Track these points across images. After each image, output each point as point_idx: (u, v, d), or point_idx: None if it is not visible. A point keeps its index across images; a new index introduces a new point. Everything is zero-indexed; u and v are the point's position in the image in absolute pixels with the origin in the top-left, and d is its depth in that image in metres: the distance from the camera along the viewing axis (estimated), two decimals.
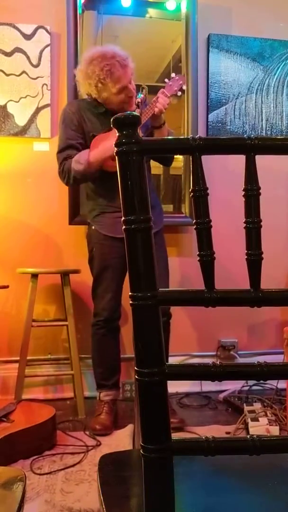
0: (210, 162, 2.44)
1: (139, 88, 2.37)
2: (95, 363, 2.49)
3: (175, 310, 2.49)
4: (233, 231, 2.46)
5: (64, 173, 2.33)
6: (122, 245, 2.31)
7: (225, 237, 2.45)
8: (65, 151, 2.34)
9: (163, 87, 2.32)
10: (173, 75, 2.34)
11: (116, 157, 0.64)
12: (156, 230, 2.31)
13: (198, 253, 0.66)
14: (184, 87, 2.37)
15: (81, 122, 2.37)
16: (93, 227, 2.45)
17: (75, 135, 2.35)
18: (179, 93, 2.34)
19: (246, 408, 2.34)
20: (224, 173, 2.89)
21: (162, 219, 2.54)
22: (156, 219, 2.33)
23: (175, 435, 0.65)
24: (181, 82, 2.30)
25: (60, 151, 2.36)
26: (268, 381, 2.76)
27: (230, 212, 2.53)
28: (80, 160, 2.28)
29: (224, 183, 2.79)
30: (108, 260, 2.40)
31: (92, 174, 2.32)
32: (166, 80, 2.34)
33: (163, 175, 2.99)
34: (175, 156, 2.70)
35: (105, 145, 2.27)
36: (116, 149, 0.64)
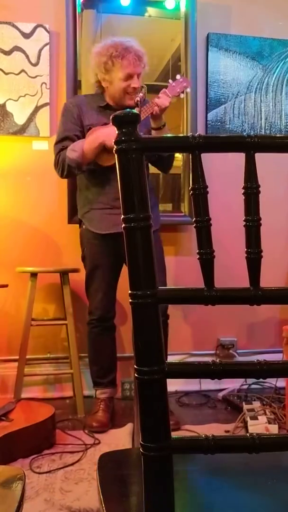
0: (209, 160, 2.44)
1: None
2: (91, 361, 2.52)
3: (174, 309, 2.49)
4: (233, 229, 2.46)
5: (59, 164, 2.35)
6: (112, 242, 2.35)
7: (225, 235, 2.45)
8: (62, 142, 2.37)
9: (166, 87, 2.30)
10: (178, 76, 2.30)
11: (116, 155, 0.64)
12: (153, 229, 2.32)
13: (197, 251, 0.66)
14: (188, 90, 2.32)
15: (80, 115, 2.40)
16: (83, 226, 2.48)
17: (73, 127, 2.38)
18: (182, 95, 2.30)
19: (245, 406, 2.34)
20: (223, 171, 2.89)
21: (159, 219, 2.56)
22: (154, 219, 2.35)
23: (175, 434, 0.65)
24: (184, 84, 2.26)
25: (57, 143, 2.40)
26: (267, 380, 2.77)
27: (229, 210, 2.52)
28: (75, 148, 2.30)
29: (223, 181, 2.78)
30: (98, 260, 2.42)
31: (86, 164, 2.32)
32: (170, 81, 2.30)
33: (162, 174, 2.99)
34: (176, 155, 2.69)
35: (97, 132, 2.29)
36: (115, 146, 0.64)
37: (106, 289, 2.43)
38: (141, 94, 2.25)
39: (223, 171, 2.86)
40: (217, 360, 0.66)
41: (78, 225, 2.84)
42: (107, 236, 2.35)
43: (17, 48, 2.79)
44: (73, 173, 2.39)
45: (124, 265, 2.37)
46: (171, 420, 2.31)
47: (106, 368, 2.49)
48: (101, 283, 2.43)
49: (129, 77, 2.30)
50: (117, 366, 2.54)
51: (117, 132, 0.64)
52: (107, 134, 2.24)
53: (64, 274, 2.61)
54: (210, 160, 2.48)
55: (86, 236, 2.45)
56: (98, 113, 2.39)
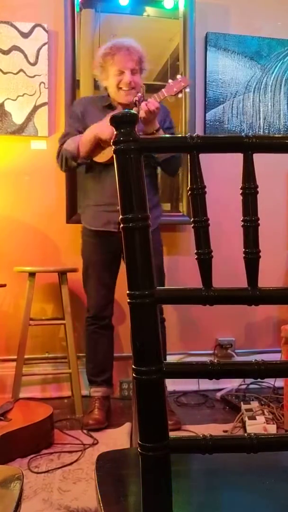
0: (208, 160, 2.44)
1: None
2: (87, 359, 2.54)
3: (172, 309, 2.49)
4: (231, 230, 2.46)
5: (59, 156, 2.45)
6: (105, 240, 2.36)
7: (223, 235, 2.45)
8: (64, 138, 2.46)
9: (164, 87, 2.30)
10: (178, 76, 2.30)
11: (114, 155, 0.64)
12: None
13: (196, 251, 0.66)
14: (187, 90, 2.33)
15: (84, 114, 2.47)
16: (82, 223, 2.53)
17: (76, 124, 2.46)
18: (180, 95, 2.30)
19: (244, 406, 2.34)
20: (221, 171, 2.89)
21: (158, 220, 2.53)
22: (152, 219, 2.35)
23: (173, 434, 0.65)
24: (182, 83, 2.26)
25: (60, 138, 2.50)
26: (266, 380, 2.77)
27: (228, 210, 2.52)
28: (73, 141, 2.39)
29: (221, 181, 2.78)
30: (91, 257, 2.47)
31: (82, 157, 2.38)
32: (170, 80, 2.31)
33: (161, 173, 2.98)
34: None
35: (92, 126, 2.34)
36: (114, 147, 0.64)
37: (100, 287, 2.45)
38: (139, 94, 2.25)
39: (222, 171, 2.86)
40: (215, 360, 0.66)
41: (76, 225, 2.86)
42: (100, 233, 2.40)
43: (15, 48, 2.79)
44: (70, 166, 2.45)
45: (122, 264, 2.38)
46: (171, 420, 2.31)
47: (101, 367, 2.50)
48: (95, 281, 2.46)
49: (120, 72, 2.34)
50: (113, 366, 2.54)
51: (115, 132, 0.64)
52: (100, 126, 2.29)
53: (62, 273, 2.61)
54: (209, 160, 2.47)
55: (83, 233, 2.52)
56: (101, 113, 2.41)
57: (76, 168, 2.51)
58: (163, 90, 2.27)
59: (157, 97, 2.25)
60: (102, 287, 2.45)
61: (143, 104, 2.21)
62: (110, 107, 2.43)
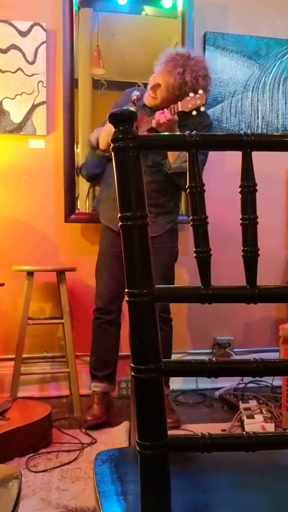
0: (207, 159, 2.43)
1: (135, 86, 2.37)
2: (91, 352, 2.53)
3: (171, 307, 2.49)
4: (230, 228, 2.46)
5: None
6: (115, 234, 2.35)
7: (222, 234, 2.45)
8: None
9: (180, 101, 2.16)
10: (200, 92, 2.14)
11: (112, 153, 0.64)
12: (154, 235, 2.31)
13: (194, 249, 0.66)
14: (202, 109, 2.20)
15: (123, 105, 2.43)
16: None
17: None
18: (194, 113, 2.18)
19: (242, 405, 2.35)
20: (220, 170, 2.89)
21: (165, 226, 2.45)
22: (159, 225, 2.35)
23: (171, 432, 0.65)
24: (198, 102, 2.13)
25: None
26: (264, 379, 2.78)
27: (226, 209, 2.52)
28: (96, 131, 2.43)
29: (220, 180, 2.79)
30: (103, 250, 2.49)
31: (102, 149, 2.41)
32: (191, 94, 2.12)
33: None
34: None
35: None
36: (112, 145, 0.64)
37: (108, 280, 2.44)
38: (137, 93, 2.24)
39: (220, 169, 2.87)
40: (214, 359, 0.66)
41: (75, 224, 2.87)
42: (110, 228, 2.42)
43: (13, 47, 2.79)
44: (92, 154, 2.49)
45: None
46: (171, 418, 2.29)
47: (102, 361, 2.48)
48: (102, 273, 2.47)
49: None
50: (116, 363, 2.51)
51: (113, 130, 0.64)
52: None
53: (60, 273, 2.60)
54: (208, 159, 2.47)
55: (100, 227, 2.55)
56: (139, 107, 2.30)
57: (97, 174, 2.54)
58: (179, 103, 2.13)
59: (172, 109, 2.15)
60: (111, 280, 2.43)
61: (157, 113, 2.17)
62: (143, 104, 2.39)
